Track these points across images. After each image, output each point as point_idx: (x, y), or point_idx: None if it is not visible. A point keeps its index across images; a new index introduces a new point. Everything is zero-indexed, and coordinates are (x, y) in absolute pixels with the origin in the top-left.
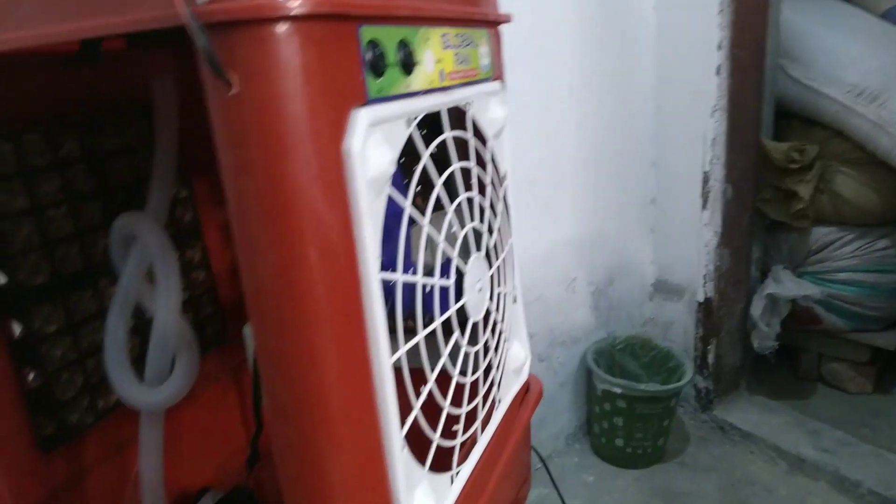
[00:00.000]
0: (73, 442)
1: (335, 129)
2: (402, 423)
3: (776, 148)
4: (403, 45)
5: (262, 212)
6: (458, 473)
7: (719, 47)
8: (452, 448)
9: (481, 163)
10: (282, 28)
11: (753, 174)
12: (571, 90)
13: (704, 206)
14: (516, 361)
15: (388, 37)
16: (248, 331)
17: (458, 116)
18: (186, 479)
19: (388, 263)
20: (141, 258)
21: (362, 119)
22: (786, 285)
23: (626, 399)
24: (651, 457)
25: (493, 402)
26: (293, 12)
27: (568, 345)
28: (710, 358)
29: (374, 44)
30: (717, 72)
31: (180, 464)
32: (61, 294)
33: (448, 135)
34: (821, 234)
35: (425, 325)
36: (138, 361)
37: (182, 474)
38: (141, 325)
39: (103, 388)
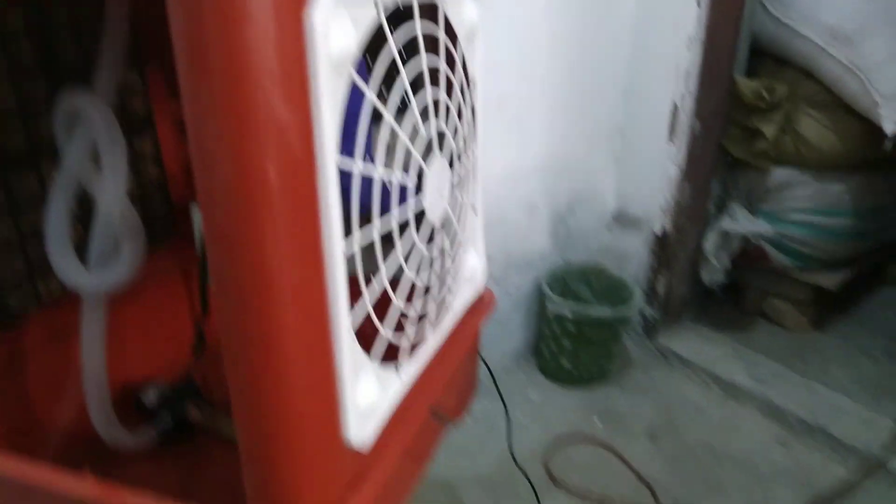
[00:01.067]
0: (12, 326)
1: (297, 1)
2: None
3: (747, 85)
4: None
5: (215, 84)
6: (405, 368)
7: None
8: (400, 344)
9: (451, 64)
10: None
11: (722, 110)
12: (549, 6)
13: (671, 140)
14: (471, 270)
15: None
16: (196, 209)
17: (430, 13)
18: (131, 374)
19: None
20: (86, 138)
21: None
22: (740, 222)
23: (576, 323)
24: (594, 378)
25: (445, 306)
26: None
27: (524, 269)
28: (660, 289)
29: None
30: (697, 2)
31: (125, 359)
32: (2, 173)
33: (418, 26)
34: (779, 174)
35: (382, 230)
36: (81, 249)
37: (127, 369)
38: (85, 214)
39: (45, 273)
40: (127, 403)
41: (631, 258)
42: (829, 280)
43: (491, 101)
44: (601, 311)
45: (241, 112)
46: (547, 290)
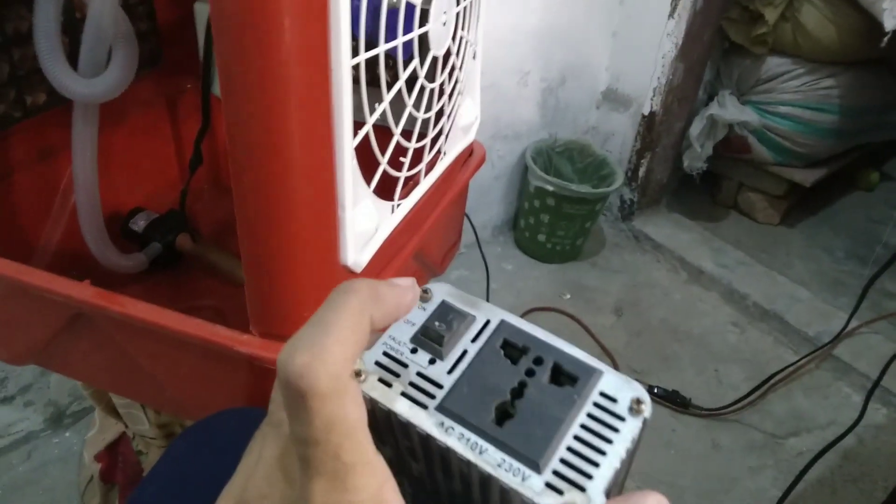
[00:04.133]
0: None
1: None
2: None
3: None
4: None
5: None
6: (398, 205)
7: None
8: (396, 182)
9: None
10: None
11: None
12: None
13: (671, 14)
14: (467, 119)
15: None
16: (199, 6)
17: None
18: (119, 201)
19: None
20: None
21: None
22: (728, 109)
23: (556, 197)
24: (568, 254)
25: (439, 152)
26: None
27: (510, 139)
28: (642, 171)
29: None
30: None
31: (112, 186)
32: None
33: None
34: (773, 63)
35: (388, 62)
36: (72, 60)
37: (114, 196)
38: (72, 24)
39: (32, 84)
40: (115, 229)
41: (616, 138)
42: (805, 176)
43: None
44: (582, 188)
45: None
46: (531, 163)
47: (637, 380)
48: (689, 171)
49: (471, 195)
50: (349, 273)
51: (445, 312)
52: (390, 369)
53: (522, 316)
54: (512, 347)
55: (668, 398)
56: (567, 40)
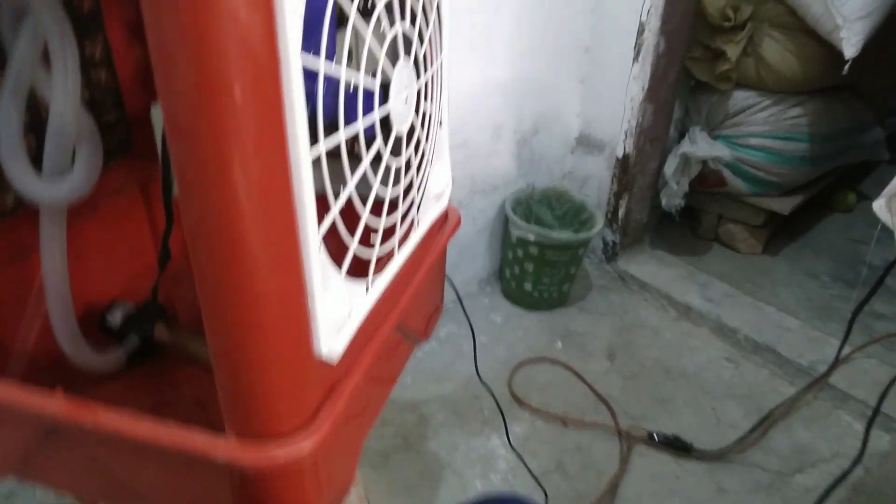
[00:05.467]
0: None
1: None
2: (321, 223)
3: (713, 3)
4: None
5: None
6: (373, 283)
7: None
8: (369, 260)
9: None
10: None
11: (687, 29)
12: None
13: (636, 59)
14: (438, 186)
15: None
16: (156, 111)
17: None
18: (94, 294)
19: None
20: (34, 35)
21: None
22: (700, 145)
23: (539, 246)
24: (555, 301)
25: (413, 222)
26: None
27: (488, 192)
28: (621, 213)
29: None
30: None
31: (87, 279)
32: None
33: None
34: (740, 97)
35: (347, 136)
36: (36, 161)
37: (89, 289)
38: (38, 124)
39: (0, 185)
40: (91, 325)
41: (592, 182)
42: (782, 205)
43: (458, 14)
44: (564, 234)
45: (200, 9)
46: (511, 214)
47: (635, 426)
48: (667, 209)
49: (454, 250)
50: (325, 364)
51: None
52: None
53: (515, 369)
54: None
55: (670, 444)
56: (537, 91)
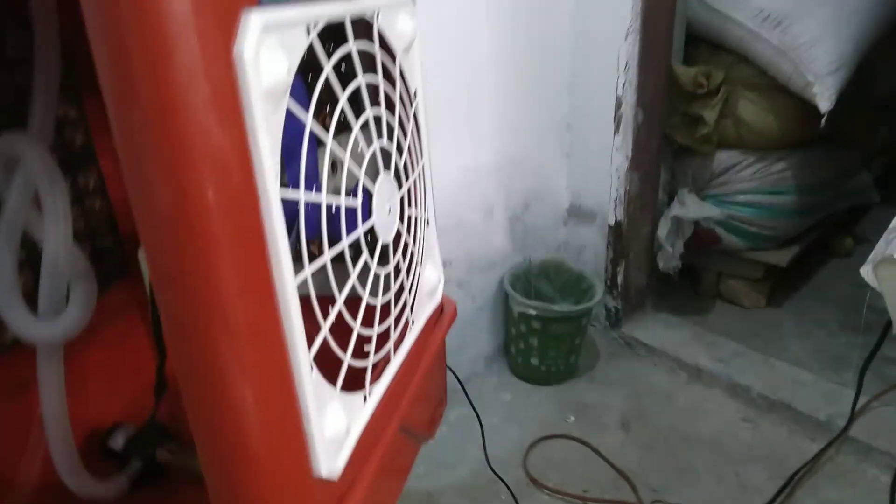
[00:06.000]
0: None
1: (224, 33)
2: (311, 343)
3: (685, 72)
4: None
5: (146, 124)
6: (370, 393)
7: None
8: (365, 368)
9: (390, 78)
10: None
11: (663, 98)
12: (488, 10)
13: (616, 131)
14: (430, 283)
15: None
16: (143, 255)
17: (365, 29)
18: (96, 418)
19: (292, 184)
20: (26, 183)
21: (255, 22)
22: (690, 208)
23: (541, 320)
24: (564, 373)
25: (407, 323)
26: None
27: (486, 270)
28: (620, 279)
29: None
30: None
31: (88, 402)
32: None
33: (353, 45)
34: (723, 157)
35: (333, 255)
36: (32, 297)
37: (91, 413)
38: (33, 260)
39: None
40: (94, 449)
41: (588, 251)
42: (780, 257)
43: (439, 103)
44: (565, 306)
45: (175, 147)
46: (510, 290)
47: (658, 500)
48: (665, 272)
49: (456, 330)
50: (325, 483)
51: None
52: None
53: (530, 448)
54: None
55: None
56: (523, 168)
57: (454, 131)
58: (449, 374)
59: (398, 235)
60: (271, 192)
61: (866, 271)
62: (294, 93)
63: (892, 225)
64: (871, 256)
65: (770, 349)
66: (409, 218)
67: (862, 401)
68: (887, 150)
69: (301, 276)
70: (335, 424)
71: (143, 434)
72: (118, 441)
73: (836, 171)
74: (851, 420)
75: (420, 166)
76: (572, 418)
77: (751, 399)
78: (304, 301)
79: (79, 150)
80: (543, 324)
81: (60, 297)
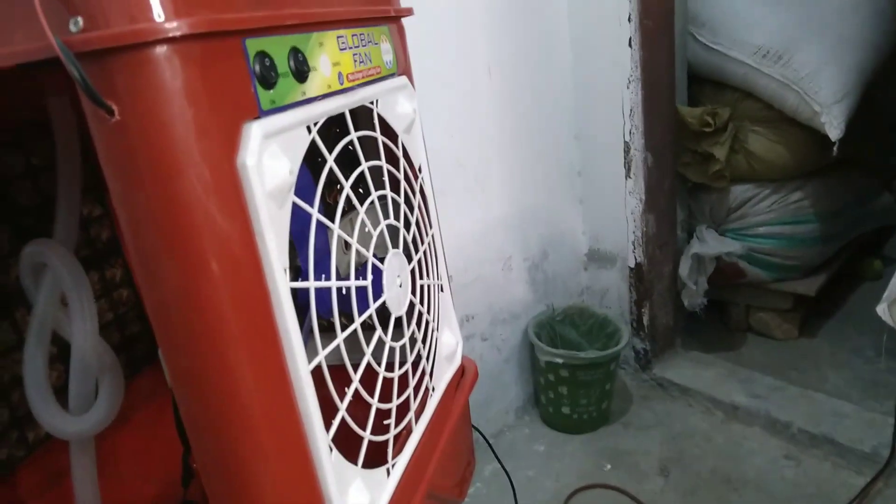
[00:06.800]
0: (6, 477)
1: (228, 146)
2: (329, 424)
3: (691, 113)
4: (295, 53)
5: (158, 235)
6: (393, 466)
7: (629, 19)
8: (386, 442)
9: (394, 159)
10: (160, 51)
11: (671, 140)
12: (490, 71)
13: (628, 175)
14: (448, 348)
15: (278, 46)
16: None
17: (367, 114)
18: (132, 500)
19: (305, 264)
20: (53, 285)
21: (255, 133)
22: (709, 244)
23: (569, 368)
24: (597, 420)
25: (427, 391)
26: (170, 34)
27: (509, 321)
28: (646, 320)
29: (262, 55)
30: (629, 44)
31: (121, 487)
32: None
33: (353, 136)
34: (739, 191)
35: (346, 324)
36: (64, 389)
37: (124, 497)
38: (65, 352)
39: (32, 420)
40: None
41: (611, 294)
42: (808, 286)
43: (449, 165)
44: (591, 353)
45: (188, 255)
46: (535, 339)
47: None
48: (691, 309)
49: (483, 384)
50: None
51: None
52: None
53: (567, 500)
54: None
55: None
56: (538, 218)
57: (466, 189)
58: (480, 432)
59: (411, 306)
60: (280, 285)
61: (882, 309)
62: (301, 182)
63: None
64: (885, 295)
65: (807, 381)
66: (422, 287)
67: None
68: None
69: (315, 362)
70: (359, 501)
71: None
72: None
73: (856, 195)
74: (894, 451)
75: (430, 236)
76: (609, 466)
77: (792, 435)
78: (321, 379)
79: (105, 245)
80: (571, 371)
81: (90, 392)
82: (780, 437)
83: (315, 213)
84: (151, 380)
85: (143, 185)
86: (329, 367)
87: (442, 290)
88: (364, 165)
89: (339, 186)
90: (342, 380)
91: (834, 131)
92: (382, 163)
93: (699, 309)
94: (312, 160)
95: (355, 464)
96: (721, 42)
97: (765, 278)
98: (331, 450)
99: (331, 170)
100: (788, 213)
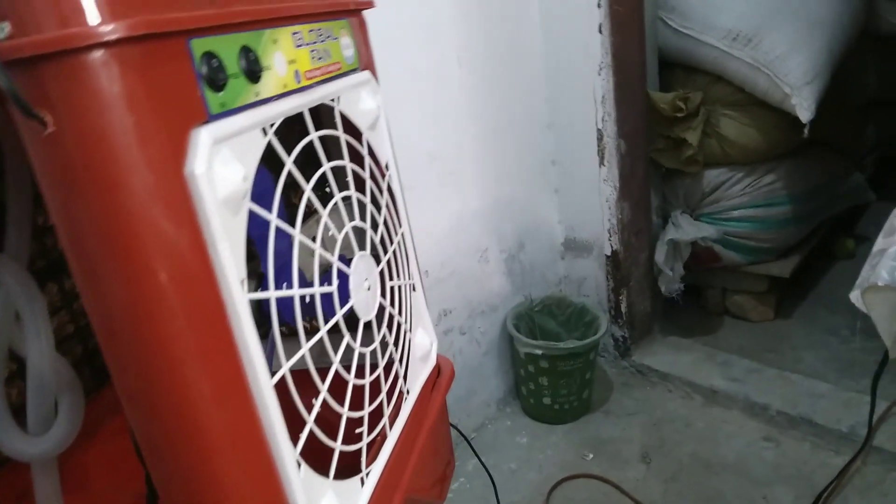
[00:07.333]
0: None
1: (175, 153)
2: (297, 438)
3: (663, 98)
4: (246, 52)
5: (102, 248)
6: (368, 475)
7: (598, 5)
8: (359, 451)
9: (359, 158)
10: (95, 56)
11: (644, 126)
12: (460, 62)
13: (601, 163)
14: (422, 349)
15: (227, 46)
16: None
17: (330, 112)
18: None
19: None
20: (5, 302)
21: (204, 139)
22: (684, 229)
23: (548, 359)
24: (578, 410)
25: (401, 394)
26: (106, 38)
27: (487, 314)
28: (623, 307)
29: (210, 56)
30: (600, 30)
31: (93, 501)
32: None
33: (314, 135)
34: (712, 176)
35: (312, 331)
36: (23, 409)
37: None
38: (24, 369)
39: None
40: None
41: (588, 282)
42: (782, 268)
43: (420, 159)
44: (570, 343)
45: (134, 268)
46: (513, 331)
47: None
48: (668, 295)
49: (463, 378)
50: None
51: None
52: None
53: (550, 492)
54: None
55: None
56: (513, 209)
57: (440, 182)
58: (458, 430)
59: (381, 309)
60: (237, 297)
61: (855, 297)
62: (263, 186)
63: (874, 249)
64: (858, 282)
65: (784, 363)
66: (392, 289)
67: (882, 407)
68: (877, 148)
69: (278, 375)
70: None
71: None
72: None
73: (828, 175)
74: (871, 430)
75: (399, 236)
76: (591, 456)
77: (770, 417)
78: (286, 391)
79: (62, 255)
80: (551, 362)
81: (49, 412)
82: (758, 419)
83: (274, 219)
84: (117, 394)
85: (83, 197)
86: (296, 372)
87: (414, 290)
88: (326, 166)
89: (300, 189)
90: (310, 387)
91: (804, 113)
92: (346, 162)
93: (676, 294)
94: (274, 162)
95: (326, 476)
96: (691, 26)
97: (740, 261)
98: (299, 465)
99: (286, 175)
100: (761, 195)
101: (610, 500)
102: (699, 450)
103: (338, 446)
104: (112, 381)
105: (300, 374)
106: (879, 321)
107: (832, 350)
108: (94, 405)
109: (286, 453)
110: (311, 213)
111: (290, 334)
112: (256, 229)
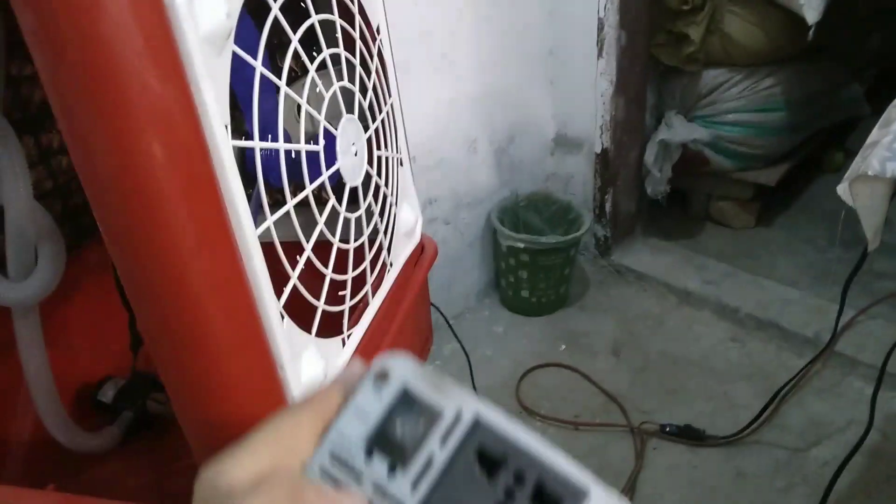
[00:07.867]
0: None
1: None
2: (281, 292)
3: None
4: None
5: (78, 84)
6: (349, 336)
7: None
8: (342, 313)
9: (349, 15)
10: None
11: (646, 18)
12: None
13: (600, 55)
14: (406, 225)
15: None
16: None
17: None
18: (85, 373)
19: (253, 132)
20: None
21: None
22: (677, 130)
23: (530, 252)
24: (555, 303)
25: (384, 265)
26: None
27: (473, 206)
28: (608, 207)
29: None
30: None
31: (75, 359)
32: None
33: None
34: (710, 76)
35: (297, 194)
36: (2, 261)
37: (79, 369)
38: (2, 218)
39: None
40: (86, 404)
41: (576, 180)
42: (769, 176)
43: (414, 37)
44: (552, 238)
45: (111, 104)
46: (497, 224)
47: (647, 421)
48: (653, 196)
49: (445, 266)
50: None
51: (408, 404)
52: (339, 480)
53: (522, 378)
54: (488, 457)
55: (681, 434)
56: (506, 99)
57: (431, 64)
58: (439, 311)
59: (368, 178)
60: (220, 142)
61: (843, 189)
62: (246, 37)
63: (868, 140)
64: (847, 173)
65: (759, 269)
66: (379, 159)
67: (849, 315)
68: (878, 60)
69: (263, 226)
70: (312, 370)
71: (133, 386)
72: (108, 394)
73: (826, 84)
74: (835, 335)
75: (388, 105)
76: (563, 347)
77: (739, 319)
78: (274, 250)
79: (39, 108)
80: (532, 256)
81: (29, 259)
82: (728, 320)
83: (259, 67)
84: (99, 252)
85: (61, 21)
86: (284, 243)
87: (401, 165)
88: (314, 18)
89: (288, 44)
90: (297, 255)
91: (812, 14)
92: (335, 17)
93: (661, 196)
94: (262, 18)
95: (309, 332)
96: None
97: (728, 167)
98: (282, 317)
99: (282, 28)
100: (759, 100)
101: (578, 389)
102: (668, 346)
103: (321, 305)
104: (95, 241)
105: (287, 246)
106: (863, 212)
107: (808, 258)
108: (75, 263)
109: (270, 304)
110: (298, 77)
111: (275, 205)
112: (241, 87)
